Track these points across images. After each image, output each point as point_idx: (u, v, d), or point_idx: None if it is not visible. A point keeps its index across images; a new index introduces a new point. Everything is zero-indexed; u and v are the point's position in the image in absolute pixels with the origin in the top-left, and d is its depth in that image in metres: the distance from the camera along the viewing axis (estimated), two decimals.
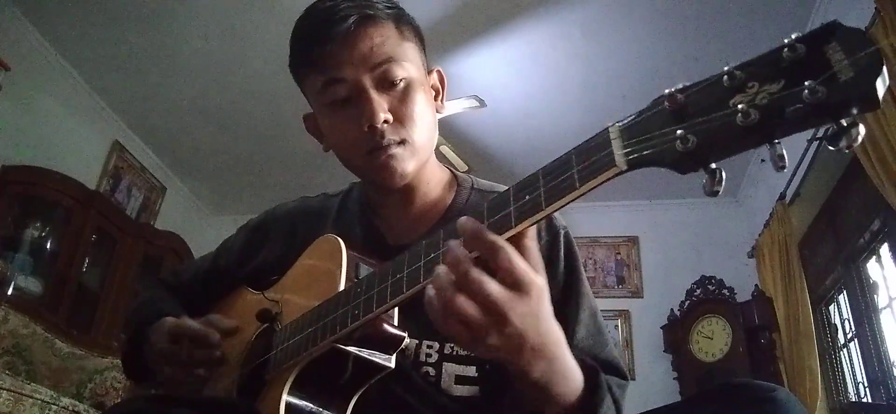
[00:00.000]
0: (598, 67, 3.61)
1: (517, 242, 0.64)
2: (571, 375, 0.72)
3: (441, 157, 3.83)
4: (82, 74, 3.98)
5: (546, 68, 3.65)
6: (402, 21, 0.97)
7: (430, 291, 0.63)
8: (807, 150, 3.38)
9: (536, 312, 0.63)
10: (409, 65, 0.95)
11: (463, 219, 0.65)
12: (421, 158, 0.97)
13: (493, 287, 0.60)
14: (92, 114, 4.16)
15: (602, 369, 0.88)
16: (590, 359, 0.79)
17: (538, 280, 0.63)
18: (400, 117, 0.93)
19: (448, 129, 3.93)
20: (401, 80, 0.93)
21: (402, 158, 0.93)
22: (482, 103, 3.61)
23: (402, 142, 0.93)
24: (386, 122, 0.91)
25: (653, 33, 3.35)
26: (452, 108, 3.59)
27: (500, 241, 0.62)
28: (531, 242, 0.65)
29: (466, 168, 3.97)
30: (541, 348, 0.65)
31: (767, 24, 3.15)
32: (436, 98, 1.05)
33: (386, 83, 0.93)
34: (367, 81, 0.91)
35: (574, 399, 0.72)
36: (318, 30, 0.93)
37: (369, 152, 0.93)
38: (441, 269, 0.63)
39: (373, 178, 1.00)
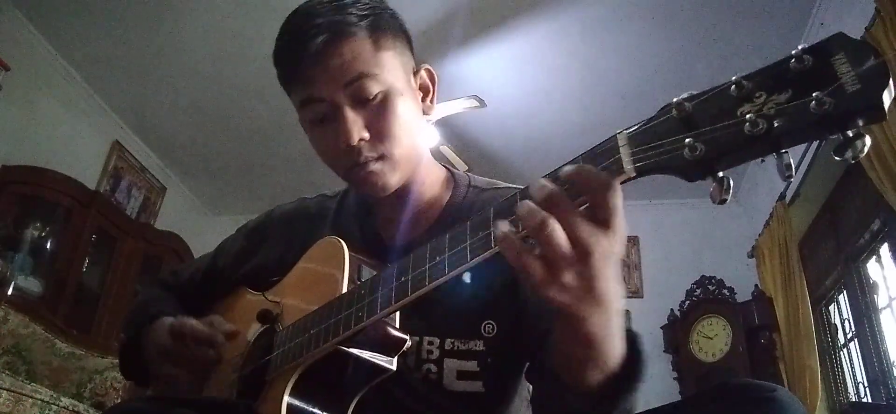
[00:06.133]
0: (598, 67, 3.61)
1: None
2: (619, 339, 0.69)
3: (441, 157, 3.83)
4: (82, 74, 3.97)
5: (546, 68, 3.65)
6: (379, 28, 0.92)
7: (504, 227, 0.62)
8: (807, 150, 3.39)
9: (611, 255, 0.60)
10: (386, 75, 0.91)
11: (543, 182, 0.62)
12: (405, 169, 0.96)
13: (585, 223, 0.59)
14: (92, 114, 4.15)
15: None
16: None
17: (622, 224, 0.60)
18: (377, 133, 0.91)
19: (448, 129, 3.93)
20: (376, 94, 0.90)
21: (383, 173, 0.93)
22: (482, 103, 3.60)
23: (381, 157, 0.92)
24: (363, 139, 0.90)
25: (652, 34, 3.35)
26: (452, 108, 3.59)
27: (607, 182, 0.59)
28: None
29: (467, 168, 3.97)
30: (604, 298, 0.62)
31: (767, 25, 3.16)
32: (424, 98, 1.03)
33: (361, 99, 0.90)
34: (342, 99, 0.89)
35: (616, 366, 0.69)
36: (291, 48, 0.91)
37: (350, 168, 0.93)
38: (526, 204, 0.61)
39: (358, 190, 1.02)
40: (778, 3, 3.09)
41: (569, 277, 0.60)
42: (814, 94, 0.43)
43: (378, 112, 0.91)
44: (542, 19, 3.30)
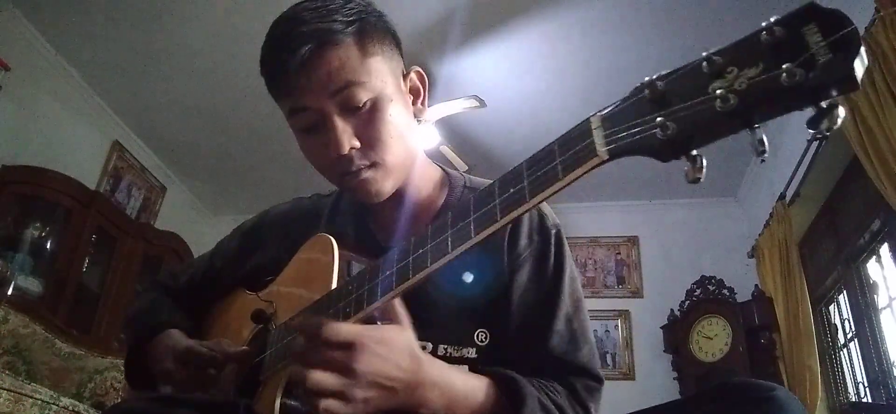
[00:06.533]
0: (598, 67, 3.60)
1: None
2: (472, 392, 0.82)
3: (441, 157, 3.83)
4: (82, 74, 3.97)
5: (546, 68, 3.64)
6: (365, 33, 0.90)
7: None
8: (807, 149, 3.37)
9: (384, 355, 0.72)
10: (374, 81, 0.90)
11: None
12: (399, 174, 0.96)
13: (332, 353, 0.71)
14: (92, 114, 4.16)
15: (573, 374, 0.93)
16: (511, 371, 0.86)
17: (359, 331, 0.72)
18: (368, 141, 0.90)
19: (448, 129, 3.92)
20: (365, 101, 0.89)
21: (375, 180, 0.92)
22: (482, 103, 3.60)
23: (373, 164, 0.91)
24: (354, 148, 0.89)
25: (652, 33, 3.34)
26: (452, 108, 3.59)
27: (316, 326, 0.72)
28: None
29: (466, 168, 3.96)
30: (421, 381, 0.75)
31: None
32: (415, 100, 1.01)
33: (350, 107, 0.89)
34: (330, 108, 0.88)
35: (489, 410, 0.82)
36: (276, 57, 0.90)
37: (342, 176, 0.93)
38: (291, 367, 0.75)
39: (352, 196, 1.03)
40: (778, 3, 3.08)
41: (360, 393, 0.71)
42: (784, 66, 0.42)
43: (368, 119, 0.90)
44: (541, 20, 3.30)
